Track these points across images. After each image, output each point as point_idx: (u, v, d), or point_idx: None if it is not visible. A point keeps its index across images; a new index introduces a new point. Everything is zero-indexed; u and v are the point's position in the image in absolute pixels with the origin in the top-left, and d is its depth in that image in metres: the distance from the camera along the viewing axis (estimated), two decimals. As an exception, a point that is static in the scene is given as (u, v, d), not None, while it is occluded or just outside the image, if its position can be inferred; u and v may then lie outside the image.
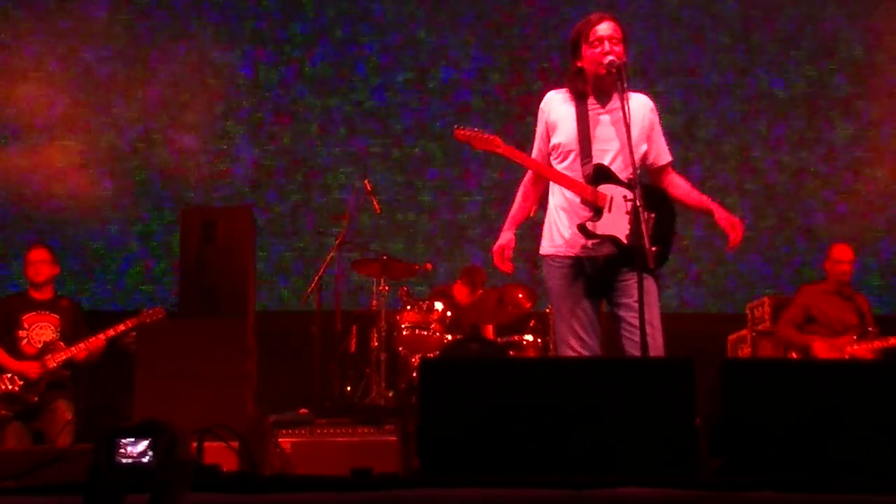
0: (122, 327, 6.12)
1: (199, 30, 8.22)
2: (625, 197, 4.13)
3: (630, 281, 4.11)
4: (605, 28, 4.22)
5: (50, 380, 6.11)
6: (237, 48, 8.23)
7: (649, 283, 4.07)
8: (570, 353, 4.21)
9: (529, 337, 6.66)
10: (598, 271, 4.24)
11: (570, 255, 4.27)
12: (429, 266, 7.02)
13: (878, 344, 6.60)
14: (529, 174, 4.43)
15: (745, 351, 7.26)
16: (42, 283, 6.39)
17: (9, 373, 6.08)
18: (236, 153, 8.15)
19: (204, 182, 8.05)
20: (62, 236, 7.83)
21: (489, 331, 6.95)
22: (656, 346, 4.06)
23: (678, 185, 4.43)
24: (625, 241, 4.11)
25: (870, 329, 6.68)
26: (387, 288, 6.83)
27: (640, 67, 7.81)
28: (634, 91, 4.35)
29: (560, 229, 4.31)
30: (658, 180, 4.41)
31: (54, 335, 6.25)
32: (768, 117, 8.39)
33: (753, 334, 7.25)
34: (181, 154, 8.07)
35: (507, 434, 3.16)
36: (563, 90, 4.37)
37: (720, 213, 4.35)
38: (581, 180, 4.22)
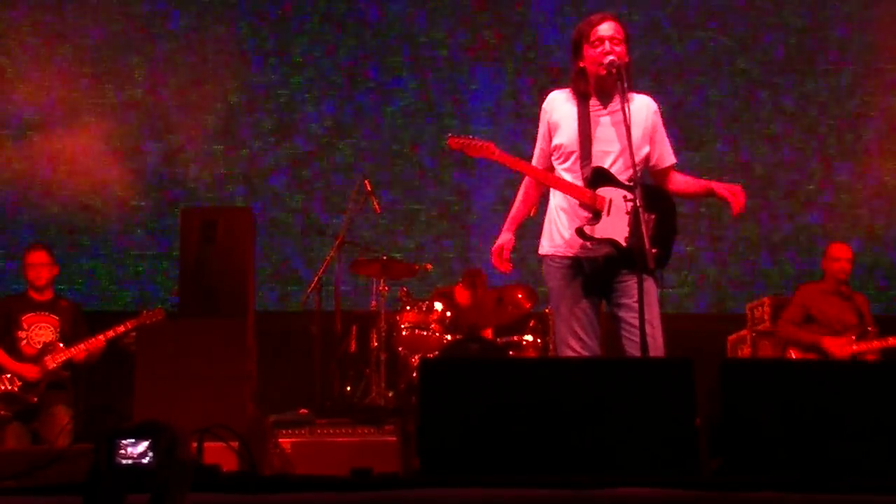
0: (121, 328, 6.13)
1: (200, 30, 8.22)
2: (625, 197, 4.13)
3: (629, 281, 4.12)
4: (606, 28, 4.22)
5: (49, 381, 6.11)
6: (238, 47, 8.22)
7: (649, 284, 4.07)
8: (570, 354, 4.22)
9: (529, 337, 6.66)
10: (597, 272, 4.24)
11: (570, 255, 4.28)
12: (429, 266, 7.02)
13: (877, 344, 6.60)
14: (535, 168, 4.43)
15: (745, 351, 7.26)
16: (43, 286, 6.39)
17: (8, 373, 6.08)
18: (237, 153, 8.14)
19: (204, 182, 8.05)
20: (62, 236, 7.83)
21: (488, 333, 6.94)
22: (656, 347, 4.06)
23: (678, 181, 4.43)
24: (624, 244, 4.11)
25: (869, 329, 6.68)
26: (387, 288, 6.83)
27: (643, 66, 7.82)
28: (637, 92, 4.35)
29: (560, 230, 4.31)
30: (661, 182, 4.41)
31: (54, 336, 6.25)
32: (768, 117, 8.39)
33: (753, 334, 7.24)
34: (181, 154, 8.06)
35: (507, 434, 3.16)
36: (566, 90, 4.37)
37: (719, 186, 4.36)
38: (581, 182, 4.22)
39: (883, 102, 8.40)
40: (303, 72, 8.28)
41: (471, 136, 4.29)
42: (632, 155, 4.06)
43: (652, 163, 4.37)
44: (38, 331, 6.27)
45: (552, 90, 4.44)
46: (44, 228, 7.83)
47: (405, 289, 6.87)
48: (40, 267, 6.39)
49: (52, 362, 6.10)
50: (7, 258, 7.77)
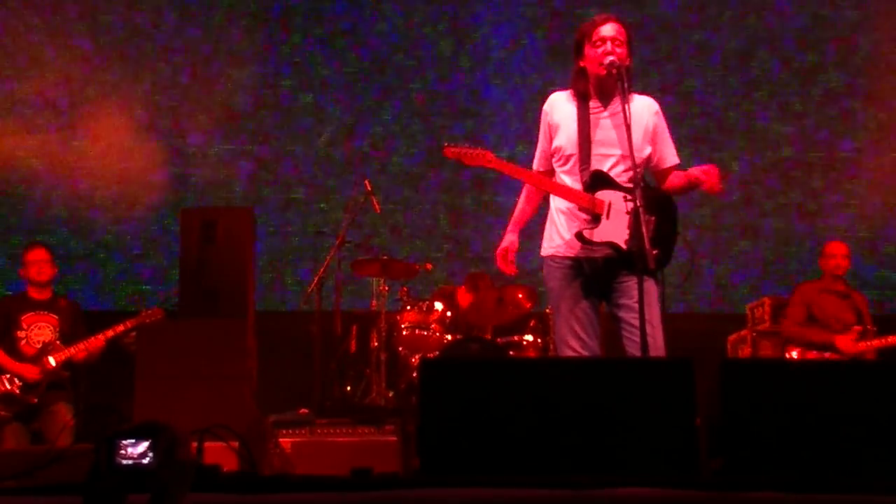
0: (121, 328, 6.13)
1: (199, 30, 8.22)
2: (625, 198, 4.13)
3: (630, 282, 4.12)
4: (608, 29, 4.22)
5: (50, 381, 6.11)
6: (238, 47, 8.22)
7: (649, 284, 4.07)
8: (570, 354, 4.22)
9: (529, 337, 6.66)
10: (597, 272, 4.24)
11: (570, 255, 4.28)
12: (429, 266, 7.02)
13: (876, 343, 6.60)
14: (533, 171, 4.43)
15: (745, 351, 7.26)
16: (45, 283, 6.39)
17: (8, 374, 6.08)
18: (237, 153, 8.14)
19: (204, 182, 8.05)
20: (62, 236, 7.84)
21: (488, 334, 6.94)
22: (657, 347, 4.06)
23: (672, 180, 4.39)
24: (624, 247, 4.11)
25: (868, 328, 6.68)
26: (387, 288, 6.83)
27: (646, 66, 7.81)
28: (639, 93, 4.35)
29: (560, 231, 4.32)
30: (663, 182, 4.40)
31: (53, 335, 6.25)
32: (768, 117, 8.39)
33: (753, 334, 7.24)
34: (181, 154, 8.06)
35: (507, 434, 3.16)
36: (567, 92, 4.37)
37: (693, 170, 4.31)
38: (580, 185, 4.22)
39: (883, 102, 8.39)
40: (303, 71, 8.27)
41: (467, 145, 4.28)
42: (632, 156, 4.06)
43: (653, 163, 4.37)
44: (38, 330, 6.27)
45: (553, 91, 4.43)
46: (43, 228, 7.83)
47: (405, 289, 6.87)
48: (43, 263, 6.39)
49: (51, 362, 6.10)
50: (6, 258, 7.77)
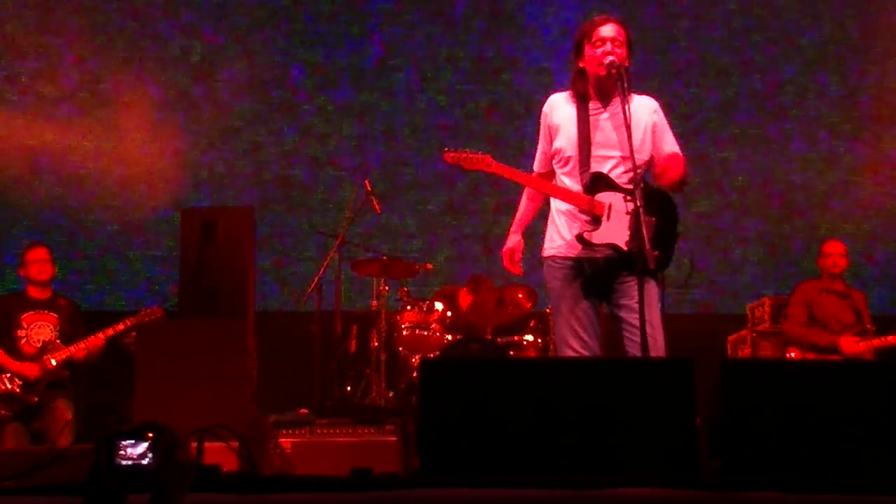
0: (120, 326, 6.13)
1: (199, 31, 8.22)
2: (625, 198, 4.13)
3: (630, 282, 4.12)
4: (608, 29, 4.22)
5: (50, 380, 6.11)
6: (238, 47, 8.22)
7: (649, 285, 4.07)
8: (571, 354, 4.22)
9: (529, 337, 6.66)
10: (597, 273, 4.25)
11: (570, 256, 4.28)
12: (429, 266, 7.02)
13: (876, 343, 6.60)
14: (534, 175, 4.44)
15: (745, 351, 7.26)
16: (46, 282, 6.40)
17: (8, 373, 6.08)
18: (237, 153, 8.14)
19: (204, 182, 8.05)
20: (61, 236, 7.83)
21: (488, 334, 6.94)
22: (657, 347, 4.06)
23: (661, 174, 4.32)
24: (625, 248, 4.11)
25: (868, 328, 6.68)
26: (387, 288, 6.83)
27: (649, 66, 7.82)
28: (639, 93, 4.34)
29: (560, 231, 4.32)
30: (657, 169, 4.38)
31: (53, 334, 6.25)
32: (768, 118, 8.39)
33: (753, 334, 7.24)
34: (181, 154, 8.06)
35: (507, 434, 3.16)
36: (566, 93, 4.36)
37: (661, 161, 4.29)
38: (580, 187, 4.23)
39: (884, 101, 8.39)
40: (303, 71, 8.27)
41: (466, 150, 4.28)
42: (632, 157, 4.06)
43: (655, 161, 4.36)
44: (38, 329, 6.27)
45: (552, 93, 4.43)
46: (43, 228, 7.82)
47: (405, 289, 6.87)
48: (44, 262, 6.40)
49: (51, 361, 6.10)
50: (5, 257, 7.76)
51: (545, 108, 4.40)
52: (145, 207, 7.99)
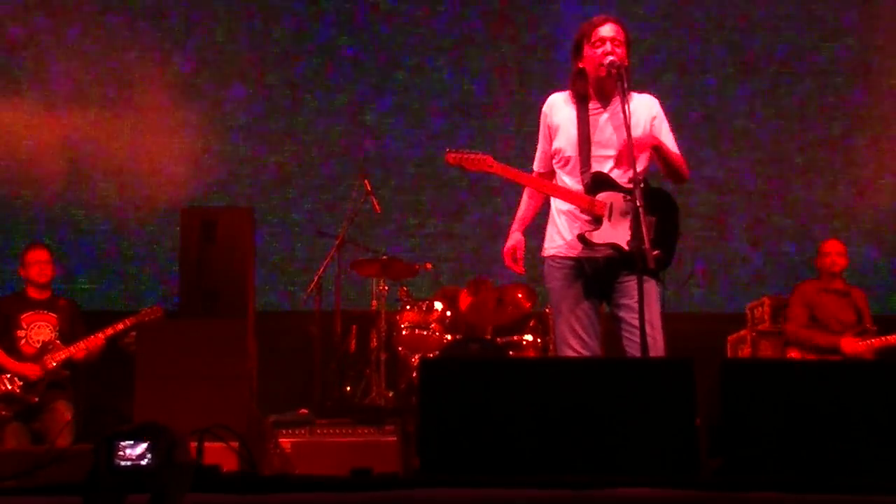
0: (120, 326, 6.13)
1: (198, 30, 8.22)
2: (625, 198, 4.13)
3: (630, 282, 4.11)
4: (607, 29, 4.22)
5: (50, 380, 6.11)
6: (237, 47, 8.22)
7: (649, 285, 4.07)
8: (571, 354, 4.22)
9: (529, 337, 6.66)
10: (597, 273, 4.25)
11: (571, 256, 4.28)
12: (429, 266, 7.02)
13: (877, 342, 6.59)
14: (535, 173, 4.43)
15: (745, 351, 7.26)
16: (46, 284, 6.40)
17: (8, 373, 6.08)
18: (236, 153, 8.14)
19: (204, 182, 8.05)
20: (62, 236, 7.83)
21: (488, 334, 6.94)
22: (657, 347, 4.06)
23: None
24: (626, 248, 4.11)
25: (868, 327, 6.68)
26: (387, 288, 6.83)
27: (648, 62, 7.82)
28: (638, 92, 4.34)
29: (560, 231, 4.32)
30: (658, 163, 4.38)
31: (52, 335, 6.25)
32: (769, 117, 8.39)
33: (753, 334, 7.24)
34: (181, 154, 8.06)
35: (506, 434, 3.16)
36: (566, 93, 4.36)
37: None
38: (581, 187, 4.23)
39: (884, 101, 8.39)
40: (303, 71, 8.27)
41: (467, 150, 4.29)
42: (632, 156, 4.06)
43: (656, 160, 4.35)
44: (37, 330, 6.27)
45: (552, 93, 4.43)
46: (43, 229, 7.82)
47: (405, 289, 6.87)
48: (45, 264, 6.40)
49: (51, 361, 6.10)
50: (5, 257, 7.76)
51: (545, 108, 4.40)
52: (145, 207, 7.99)
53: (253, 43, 8.25)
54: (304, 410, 5.96)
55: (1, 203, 7.97)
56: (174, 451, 2.63)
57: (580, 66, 4.28)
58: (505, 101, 8.26)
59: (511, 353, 6.55)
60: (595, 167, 4.22)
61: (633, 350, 4.07)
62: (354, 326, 6.98)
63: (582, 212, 4.22)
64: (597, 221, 4.19)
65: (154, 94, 8.10)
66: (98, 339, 6.15)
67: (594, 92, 4.29)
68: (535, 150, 4.48)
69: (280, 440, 5.52)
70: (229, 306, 5.56)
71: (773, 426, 3.18)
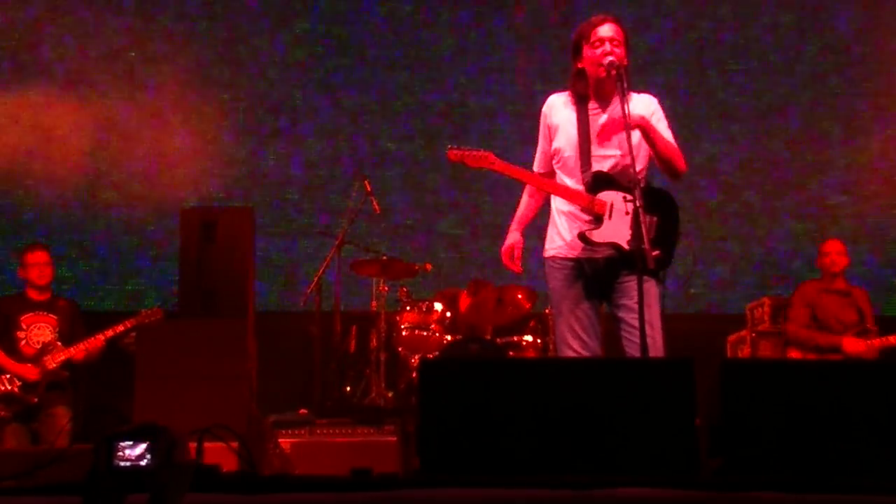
0: (120, 328, 6.13)
1: (198, 30, 8.22)
2: (625, 198, 4.13)
3: (630, 282, 4.11)
4: (606, 29, 4.22)
5: (49, 381, 6.11)
6: (237, 47, 8.22)
7: (649, 285, 4.07)
8: (571, 354, 4.22)
9: (529, 337, 6.66)
10: (597, 273, 4.25)
11: (571, 256, 4.28)
12: (429, 266, 7.02)
13: (878, 342, 6.59)
14: (535, 173, 4.43)
15: (745, 351, 7.26)
16: (46, 285, 6.39)
17: (8, 374, 6.08)
18: (236, 153, 8.14)
19: (204, 182, 8.05)
20: (62, 236, 7.83)
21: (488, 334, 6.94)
22: (656, 347, 4.06)
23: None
24: (626, 247, 4.11)
25: (869, 327, 6.68)
26: (387, 288, 6.83)
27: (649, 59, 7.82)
28: (638, 91, 4.34)
29: (561, 232, 4.32)
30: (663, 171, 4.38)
31: (52, 335, 6.25)
32: (769, 117, 8.39)
33: (753, 334, 7.24)
34: (181, 154, 8.06)
35: (506, 434, 3.15)
36: (565, 93, 4.36)
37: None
38: (581, 187, 4.22)
39: (884, 101, 8.39)
40: (303, 71, 8.27)
41: (469, 148, 4.29)
42: (632, 156, 4.05)
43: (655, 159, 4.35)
44: (37, 331, 6.27)
45: (551, 93, 4.43)
46: (42, 229, 7.82)
47: (405, 289, 6.87)
48: (44, 266, 6.40)
49: (51, 362, 6.10)
50: (5, 257, 7.76)
51: (544, 108, 4.40)
52: (145, 207, 7.98)
53: (253, 43, 8.25)
54: (303, 410, 5.97)
55: (1, 203, 7.96)
56: (174, 451, 2.63)
57: (579, 66, 4.28)
58: (505, 102, 8.25)
59: (511, 353, 6.55)
60: (595, 167, 4.22)
61: (633, 350, 4.07)
62: (354, 327, 6.98)
63: (582, 210, 4.22)
64: (597, 220, 4.19)
65: (154, 95, 8.11)
66: (98, 340, 6.15)
67: (593, 92, 4.29)
68: (535, 150, 4.48)
69: (280, 440, 5.52)
70: (229, 306, 5.56)
71: (773, 426, 3.18)
